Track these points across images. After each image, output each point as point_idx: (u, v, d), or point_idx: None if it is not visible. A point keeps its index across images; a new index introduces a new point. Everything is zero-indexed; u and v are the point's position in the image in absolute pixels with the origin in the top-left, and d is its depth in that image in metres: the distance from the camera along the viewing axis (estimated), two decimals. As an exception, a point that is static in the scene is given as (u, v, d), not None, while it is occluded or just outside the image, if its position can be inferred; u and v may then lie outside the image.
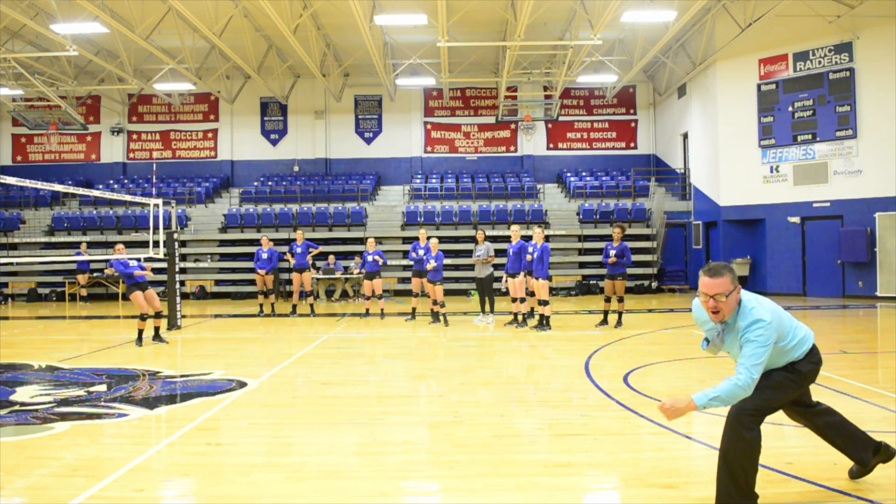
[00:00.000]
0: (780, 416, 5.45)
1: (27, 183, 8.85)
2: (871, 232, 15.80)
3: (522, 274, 11.19)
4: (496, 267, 12.42)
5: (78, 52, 16.63)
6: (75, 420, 5.39)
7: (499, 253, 17.39)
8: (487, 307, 12.23)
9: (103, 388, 6.71)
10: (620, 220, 19.87)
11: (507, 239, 15.44)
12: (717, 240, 19.17)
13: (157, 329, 10.06)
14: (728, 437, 3.30)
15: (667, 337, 10.25)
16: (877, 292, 15.60)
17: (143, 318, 9.63)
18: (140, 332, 9.69)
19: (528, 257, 10.96)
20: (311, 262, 14.38)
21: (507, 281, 11.65)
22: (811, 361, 3.51)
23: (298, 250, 13.96)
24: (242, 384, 6.78)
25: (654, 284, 19.39)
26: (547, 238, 18.84)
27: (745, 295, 3.39)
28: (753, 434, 3.26)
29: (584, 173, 23.18)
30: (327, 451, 4.59)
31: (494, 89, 23.81)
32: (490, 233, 19.28)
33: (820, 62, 16.88)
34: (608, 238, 15.00)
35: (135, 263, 9.91)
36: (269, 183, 23.12)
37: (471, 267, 16.46)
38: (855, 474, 3.80)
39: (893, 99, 15.50)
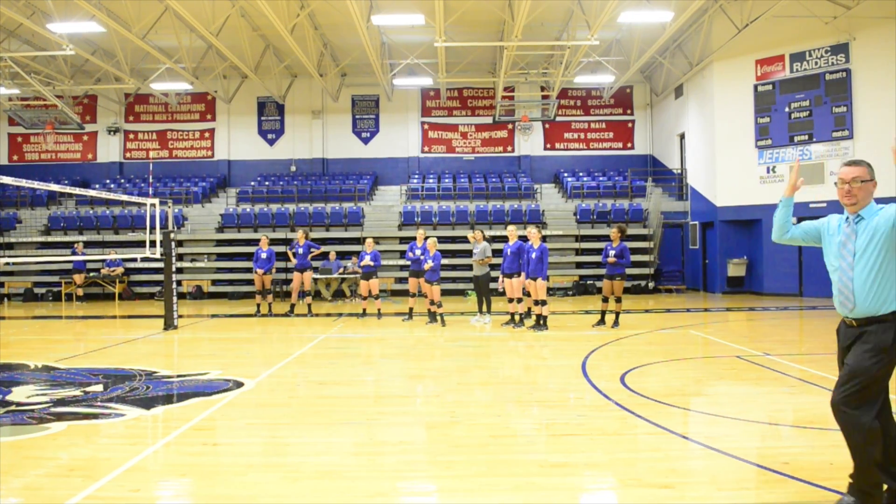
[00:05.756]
0: (779, 416, 5.47)
1: (23, 182, 8.83)
2: (868, 232, 15.81)
3: (522, 274, 11.19)
4: (491, 267, 12.38)
5: (74, 51, 16.56)
6: (71, 420, 5.38)
7: (496, 253, 17.37)
8: (485, 307, 12.24)
9: (99, 388, 6.70)
10: (617, 220, 19.88)
11: (504, 239, 15.44)
12: (713, 240, 19.20)
13: None
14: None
15: (664, 337, 10.26)
16: (873, 292, 15.61)
17: None
18: None
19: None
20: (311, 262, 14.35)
21: (503, 281, 11.65)
22: None
23: (300, 250, 13.91)
24: (239, 384, 6.77)
25: (651, 285, 19.42)
26: (544, 238, 18.90)
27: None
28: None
29: (581, 173, 23.20)
30: (324, 452, 4.59)
31: (492, 89, 23.81)
32: (488, 233, 19.27)
33: (816, 63, 16.92)
34: (605, 238, 15.02)
35: None
36: (266, 183, 23.10)
37: (468, 267, 16.48)
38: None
39: (890, 99, 15.53)
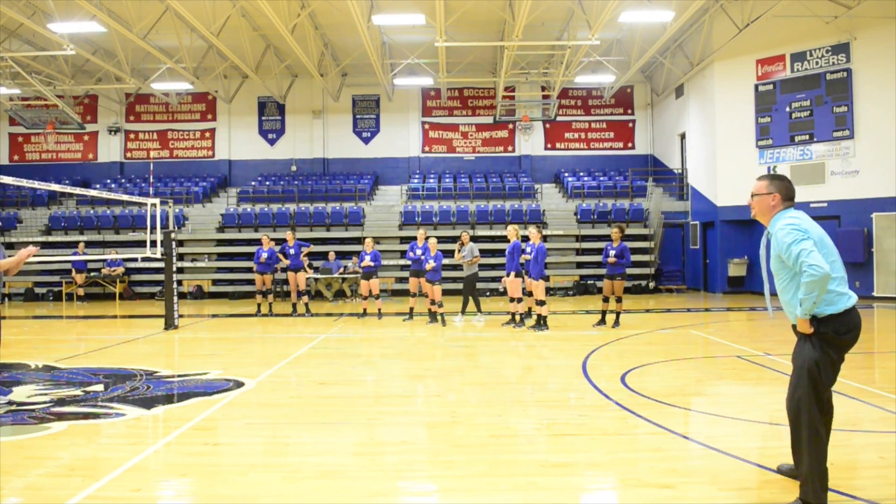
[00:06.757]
0: (779, 415, 5.46)
1: (24, 182, 8.83)
2: (868, 232, 15.83)
3: (513, 274, 11.23)
4: (492, 267, 12.43)
5: (75, 51, 16.58)
6: (72, 420, 5.38)
7: (497, 253, 17.35)
8: (471, 307, 12.42)
9: (100, 387, 6.70)
10: (618, 220, 19.88)
11: (504, 239, 15.48)
12: (714, 240, 19.19)
13: None
14: None
15: (664, 337, 10.26)
16: (874, 293, 15.62)
17: None
18: None
19: (525, 257, 10.98)
20: (305, 261, 14.36)
21: (505, 281, 11.65)
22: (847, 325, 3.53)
23: (291, 251, 13.95)
24: (240, 384, 6.78)
25: (652, 284, 19.41)
26: (545, 238, 18.91)
27: (794, 213, 3.61)
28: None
29: (581, 173, 23.20)
30: (324, 451, 4.59)
31: (492, 89, 23.81)
32: (488, 233, 19.31)
33: (817, 63, 16.91)
34: (606, 238, 15.02)
35: None
36: (267, 183, 23.11)
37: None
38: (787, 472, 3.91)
39: (891, 99, 15.53)
